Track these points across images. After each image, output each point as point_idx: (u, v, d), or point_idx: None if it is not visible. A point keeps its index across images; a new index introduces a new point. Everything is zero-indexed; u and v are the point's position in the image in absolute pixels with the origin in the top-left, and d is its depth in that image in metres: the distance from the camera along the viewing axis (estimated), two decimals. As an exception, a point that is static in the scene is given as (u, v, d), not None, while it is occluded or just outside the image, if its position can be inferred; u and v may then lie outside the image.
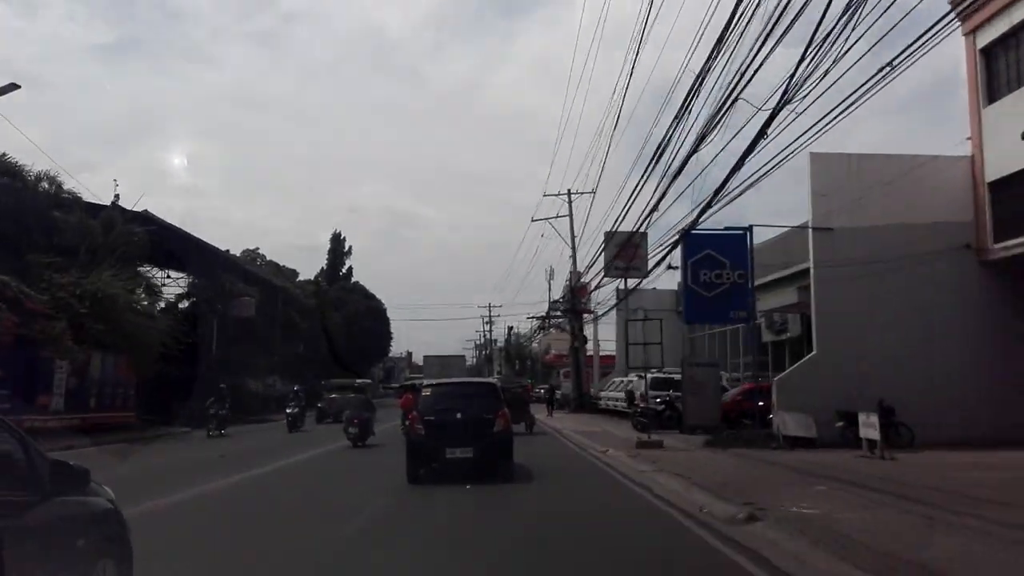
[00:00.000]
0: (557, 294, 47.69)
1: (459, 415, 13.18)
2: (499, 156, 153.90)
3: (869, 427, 16.23)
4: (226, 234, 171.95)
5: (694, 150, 16.25)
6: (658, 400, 25.87)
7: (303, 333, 56.80)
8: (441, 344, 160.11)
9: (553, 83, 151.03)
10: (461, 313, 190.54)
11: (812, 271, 19.99)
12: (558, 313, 45.89)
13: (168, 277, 46.59)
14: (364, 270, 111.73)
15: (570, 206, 44.23)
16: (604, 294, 47.81)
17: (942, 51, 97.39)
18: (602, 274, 39.37)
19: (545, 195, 45.73)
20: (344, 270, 77.78)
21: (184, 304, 46.50)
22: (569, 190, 44.41)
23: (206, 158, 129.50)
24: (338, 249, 78.28)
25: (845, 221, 19.58)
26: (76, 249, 26.09)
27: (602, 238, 37.40)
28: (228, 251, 53.02)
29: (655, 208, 22.02)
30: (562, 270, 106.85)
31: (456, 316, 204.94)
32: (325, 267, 77.21)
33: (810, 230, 20.01)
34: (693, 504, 10.35)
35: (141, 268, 34.03)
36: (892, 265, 19.20)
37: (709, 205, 17.02)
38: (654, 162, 19.53)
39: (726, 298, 19.97)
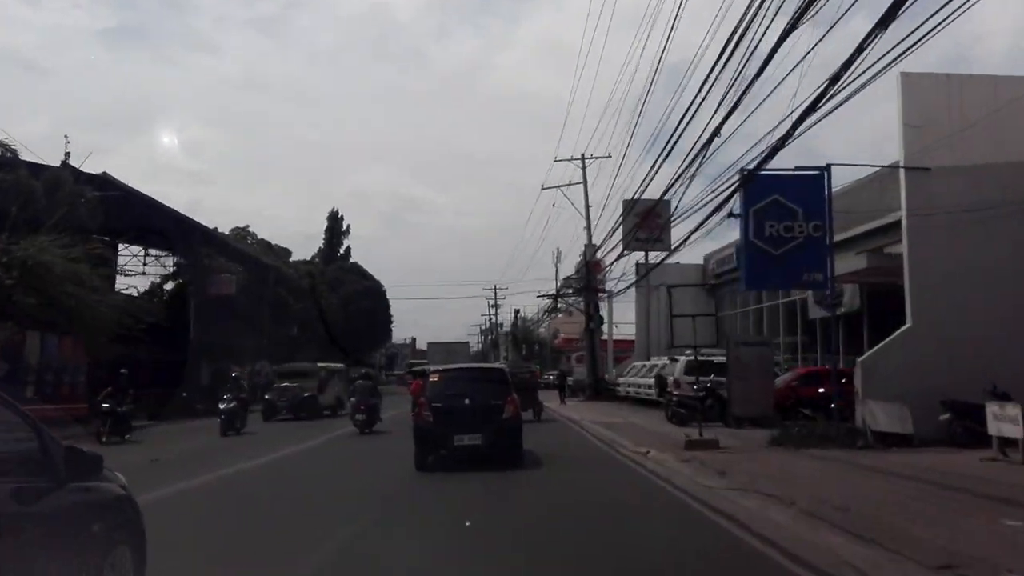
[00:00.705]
0: (566, 276, 43.63)
1: (467, 401, 12.95)
2: (504, 138, 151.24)
3: (1006, 422, 12.12)
4: (230, 221, 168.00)
5: (757, 74, 12.08)
6: (695, 387, 21.78)
7: (296, 314, 52.89)
8: (447, 330, 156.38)
9: (559, 64, 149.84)
10: (466, 297, 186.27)
11: (904, 221, 15.80)
12: (570, 291, 41.76)
13: (147, 254, 42.96)
14: (369, 256, 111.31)
15: (584, 172, 40.11)
16: (618, 272, 43.58)
17: None
18: (619, 248, 35.31)
19: (556, 160, 40.41)
20: (342, 250, 73.76)
21: (170, 285, 42.86)
22: (583, 154, 40.27)
23: (210, 145, 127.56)
24: (335, 228, 74.20)
25: (944, 159, 15.40)
26: (7, 211, 22.04)
27: (617, 211, 33.39)
28: (216, 229, 49.31)
29: (700, 157, 17.96)
30: (573, 249, 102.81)
31: (462, 297, 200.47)
32: (322, 247, 73.27)
33: (901, 170, 15.83)
34: (833, 557, 6.26)
35: (103, 239, 30.21)
36: (1003, 212, 15.06)
37: (784, 141, 12.77)
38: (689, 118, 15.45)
39: (798, 256, 15.71)
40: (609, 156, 40.29)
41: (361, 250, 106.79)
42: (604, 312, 40.14)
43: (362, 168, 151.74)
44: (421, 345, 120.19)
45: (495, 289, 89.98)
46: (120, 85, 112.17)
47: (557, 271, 71.46)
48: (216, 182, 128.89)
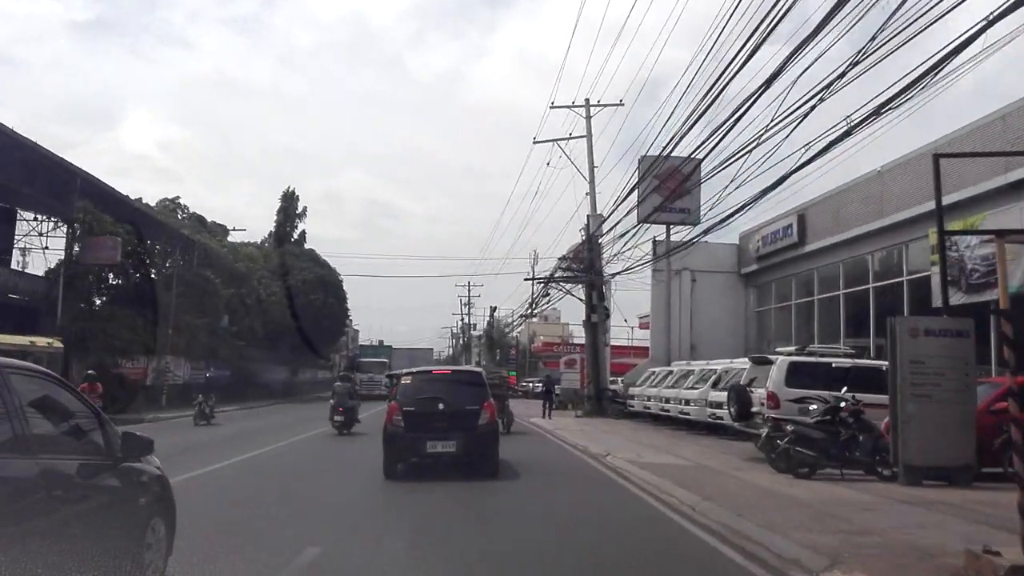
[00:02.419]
0: (560, 256, 34.48)
1: (441, 406, 12.16)
2: (479, 148, 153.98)
3: None
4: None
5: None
6: (810, 407, 12.80)
7: (228, 302, 43.38)
8: (419, 335, 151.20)
9: (535, 74, 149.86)
10: (437, 296, 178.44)
11: None
12: (567, 274, 32.66)
13: (37, 219, 33.43)
14: (340, 259, 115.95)
15: (588, 123, 31.18)
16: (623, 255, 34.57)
17: None
18: (625, 224, 26.50)
19: (553, 106, 31.34)
20: (297, 234, 64.23)
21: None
22: (587, 99, 31.34)
23: (181, 143, 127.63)
24: (290, 209, 64.33)
25: None
26: None
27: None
28: (142, 201, 40.00)
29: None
30: (560, 240, 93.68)
31: (434, 294, 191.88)
32: (273, 228, 63.77)
33: None
34: None
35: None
36: None
37: None
38: None
39: None
40: (621, 103, 31.42)
41: (328, 246, 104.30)
42: (610, 302, 31.08)
43: (335, 172, 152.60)
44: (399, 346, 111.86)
45: (468, 286, 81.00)
46: (92, 79, 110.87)
47: (533, 274, 62.78)
48: (185, 180, 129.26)
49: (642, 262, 28.56)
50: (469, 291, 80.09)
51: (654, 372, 27.22)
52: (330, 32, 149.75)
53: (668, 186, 27.62)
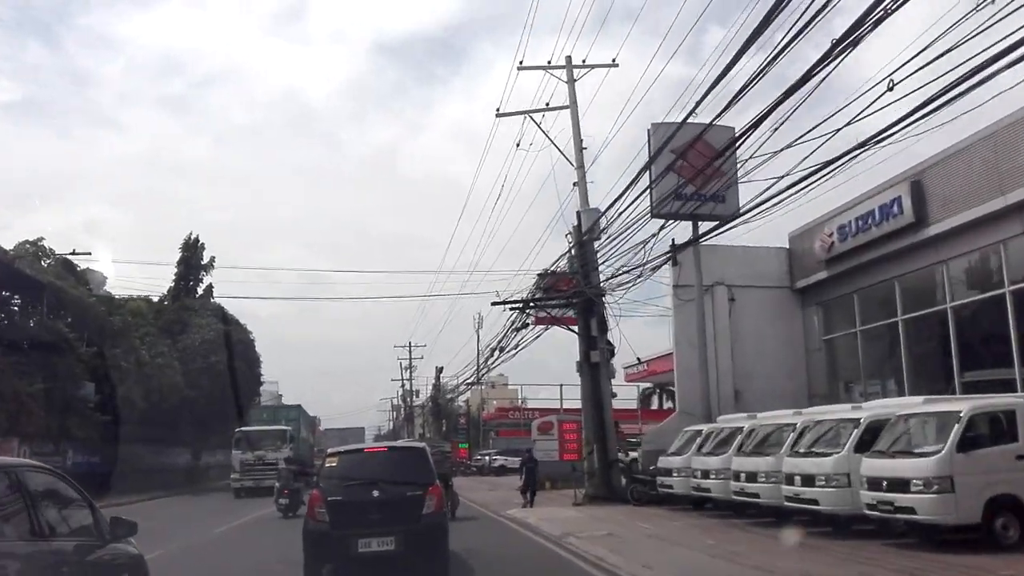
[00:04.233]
0: (539, 273, 24.97)
1: (376, 493, 9.82)
2: (417, 219, 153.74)
3: None
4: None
5: None
6: None
7: (91, 365, 33.01)
8: (354, 413, 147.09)
9: (469, 149, 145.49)
10: (376, 369, 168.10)
11: None
12: (550, 300, 23.25)
13: None
14: (272, 335, 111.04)
15: (572, 88, 22.43)
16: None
17: None
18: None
19: (521, 67, 22.48)
20: (202, 288, 53.75)
21: None
22: (569, 58, 22.71)
23: (114, 224, 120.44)
24: (193, 260, 53.72)
25: None
26: None
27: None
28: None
29: None
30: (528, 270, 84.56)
31: (370, 372, 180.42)
32: (172, 283, 53.20)
33: None
34: None
35: None
36: None
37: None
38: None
39: None
40: (616, 65, 22.80)
41: (265, 327, 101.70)
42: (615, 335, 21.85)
43: (270, 248, 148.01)
44: (330, 424, 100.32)
45: (410, 347, 70.98)
46: (20, 159, 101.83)
47: (479, 337, 53.93)
48: (118, 260, 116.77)
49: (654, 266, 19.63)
50: (411, 352, 70.09)
51: (686, 432, 18.10)
52: (266, 111, 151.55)
53: (692, 164, 19.23)
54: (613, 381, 22.05)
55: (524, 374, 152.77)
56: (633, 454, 20.96)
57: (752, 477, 13.93)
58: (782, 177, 12.68)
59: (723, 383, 20.75)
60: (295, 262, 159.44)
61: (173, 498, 32.71)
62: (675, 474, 17.31)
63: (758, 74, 10.98)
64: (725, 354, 21.00)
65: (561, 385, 65.46)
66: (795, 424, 13.62)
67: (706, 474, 15.74)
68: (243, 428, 35.66)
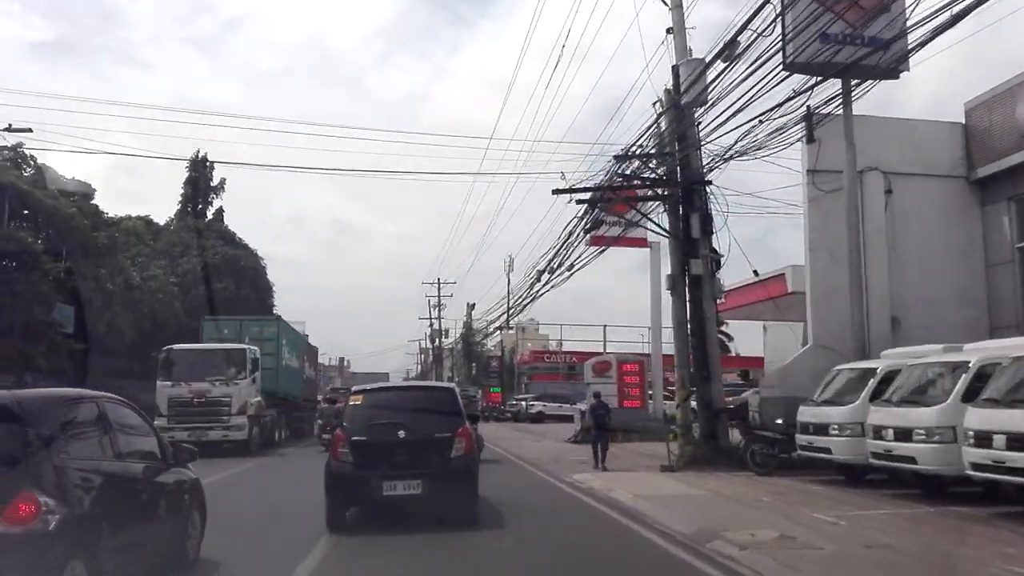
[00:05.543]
0: (614, 155, 18.94)
1: (402, 434, 9.46)
2: (444, 167, 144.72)
3: None
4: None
5: None
6: None
7: (65, 283, 28.02)
8: (380, 354, 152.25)
9: (497, 94, 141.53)
10: (404, 311, 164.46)
11: None
12: (634, 179, 17.14)
13: None
14: (304, 280, 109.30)
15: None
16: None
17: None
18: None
19: None
20: (212, 211, 48.64)
21: None
22: None
23: (143, 164, 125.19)
24: (200, 180, 48.59)
25: None
26: None
27: None
28: None
29: None
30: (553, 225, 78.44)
31: (398, 312, 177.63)
32: (179, 203, 48.26)
33: None
34: None
35: None
36: None
37: None
38: None
39: None
40: None
41: (297, 273, 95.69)
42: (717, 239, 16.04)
43: (300, 193, 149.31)
44: (357, 368, 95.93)
45: (438, 284, 65.56)
46: (52, 99, 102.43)
47: (509, 280, 48.52)
48: (148, 201, 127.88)
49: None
50: (439, 289, 64.68)
51: (865, 372, 12.42)
52: (292, 55, 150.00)
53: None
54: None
55: (555, 314, 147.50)
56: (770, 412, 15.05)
57: (1019, 440, 8.27)
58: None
59: (876, 308, 14.96)
60: (323, 207, 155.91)
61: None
62: (834, 431, 11.66)
63: None
64: (878, 268, 15.16)
65: (605, 326, 60.26)
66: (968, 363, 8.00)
67: (905, 434, 10.06)
68: (174, 346, 24.21)
